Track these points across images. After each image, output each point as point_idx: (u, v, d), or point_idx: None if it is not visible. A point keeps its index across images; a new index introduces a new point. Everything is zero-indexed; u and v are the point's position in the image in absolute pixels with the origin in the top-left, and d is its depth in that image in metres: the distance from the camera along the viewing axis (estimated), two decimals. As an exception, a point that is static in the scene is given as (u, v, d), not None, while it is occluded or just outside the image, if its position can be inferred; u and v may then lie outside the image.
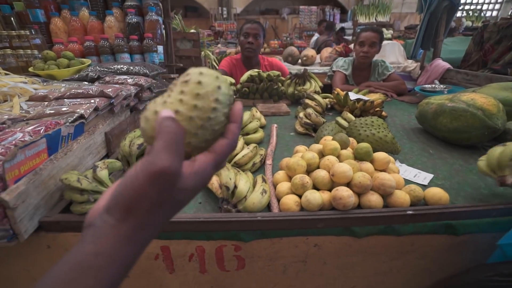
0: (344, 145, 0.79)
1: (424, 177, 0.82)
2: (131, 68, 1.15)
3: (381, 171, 0.74)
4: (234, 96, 0.24)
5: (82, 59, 1.30)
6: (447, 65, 1.90)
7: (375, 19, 6.36)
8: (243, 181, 0.66)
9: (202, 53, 2.69)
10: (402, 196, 0.65)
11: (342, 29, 6.02)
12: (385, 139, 0.89)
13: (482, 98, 0.97)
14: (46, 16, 1.45)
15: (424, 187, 0.78)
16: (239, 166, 0.81)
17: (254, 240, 0.64)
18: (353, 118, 1.16)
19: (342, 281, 0.73)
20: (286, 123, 1.32)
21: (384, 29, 5.23)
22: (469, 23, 5.96)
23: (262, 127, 1.19)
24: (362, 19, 6.41)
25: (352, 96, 1.40)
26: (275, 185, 0.73)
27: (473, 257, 0.70)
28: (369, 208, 0.64)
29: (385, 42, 3.01)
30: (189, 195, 0.26)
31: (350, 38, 5.73)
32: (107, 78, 1.08)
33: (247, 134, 1.03)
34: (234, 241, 0.64)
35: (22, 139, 0.59)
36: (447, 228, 0.65)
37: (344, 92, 1.41)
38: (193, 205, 0.71)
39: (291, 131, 1.22)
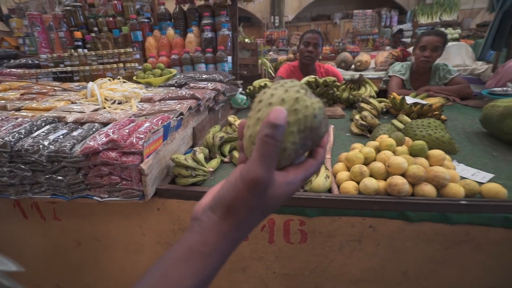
0: (399, 143, 0.87)
1: (483, 176, 0.85)
2: (210, 76, 1.38)
3: (436, 167, 0.80)
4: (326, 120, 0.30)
5: (170, 69, 1.60)
6: (523, 67, 1.75)
7: (440, 19, 5.89)
8: (309, 167, 0.79)
9: (259, 61, 2.91)
10: (456, 188, 0.71)
11: (400, 31, 5.74)
12: (442, 139, 0.93)
13: (556, 101, 0.94)
14: (142, 36, 1.81)
15: (482, 185, 0.81)
16: (302, 157, 0.95)
17: (316, 217, 0.77)
18: (409, 120, 1.20)
19: (394, 264, 0.81)
20: (341, 125, 1.42)
21: (450, 29, 4.83)
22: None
23: (319, 127, 1.31)
24: (423, 20, 6.01)
25: (409, 100, 1.42)
26: (334, 174, 0.85)
27: (535, 255, 0.71)
28: (423, 196, 0.72)
29: (450, 43, 2.85)
30: (279, 202, 0.28)
31: (408, 40, 5.43)
32: (191, 84, 1.33)
33: (307, 132, 1.16)
34: (300, 216, 0.78)
35: (151, 127, 0.82)
36: (504, 221, 0.68)
37: (401, 96, 1.44)
38: (265, 185, 0.87)
39: (346, 132, 1.31)
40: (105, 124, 0.94)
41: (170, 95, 1.15)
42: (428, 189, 0.72)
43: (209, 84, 1.31)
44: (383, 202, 0.71)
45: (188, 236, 0.28)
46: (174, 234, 0.91)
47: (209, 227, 0.27)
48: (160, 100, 1.14)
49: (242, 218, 0.27)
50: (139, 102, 1.16)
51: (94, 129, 0.90)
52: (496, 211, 0.68)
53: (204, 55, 1.66)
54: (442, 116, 1.33)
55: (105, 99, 1.11)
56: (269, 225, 0.82)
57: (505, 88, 1.63)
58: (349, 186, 0.75)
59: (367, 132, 1.23)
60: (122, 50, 1.63)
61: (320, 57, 5.02)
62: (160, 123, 0.88)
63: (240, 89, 1.66)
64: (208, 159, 1.02)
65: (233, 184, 0.26)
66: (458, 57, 2.91)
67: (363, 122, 1.22)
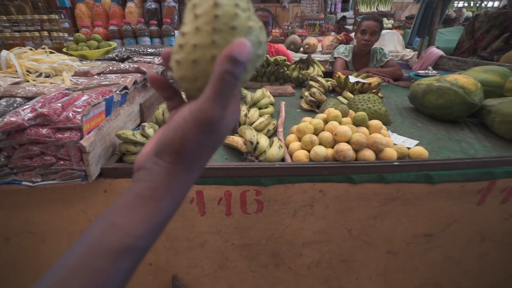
0: (344, 114, 0.94)
1: (411, 142, 0.98)
2: (156, 50, 1.28)
3: (375, 135, 0.89)
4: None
5: (109, 41, 1.43)
6: (440, 52, 2.04)
7: (376, 9, 6.45)
8: (263, 139, 0.81)
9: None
10: (390, 152, 0.81)
11: (344, 18, 6.09)
12: (379, 111, 1.04)
13: (463, 78, 1.12)
14: (71, 1, 1.56)
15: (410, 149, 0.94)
16: (257, 131, 0.96)
17: (271, 186, 0.80)
18: (352, 96, 1.31)
19: (341, 224, 0.90)
20: (292, 102, 1.47)
21: (384, 19, 5.32)
22: (470, 14, 6.04)
23: (271, 104, 1.33)
24: (363, 9, 6.50)
25: (352, 79, 1.54)
26: (287, 145, 0.89)
27: (445, 204, 0.86)
28: (364, 160, 0.80)
29: (384, 31, 3.13)
30: (227, 131, 0.27)
31: (350, 27, 5.81)
32: (135, 58, 1.22)
33: (260, 108, 1.18)
34: (256, 186, 0.80)
35: (90, 100, 0.73)
36: (425, 178, 0.81)
37: (345, 76, 1.55)
38: (220, 160, 0.87)
39: (297, 108, 1.37)
40: (29, 99, 0.80)
41: (111, 68, 1.04)
42: (368, 154, 0.80)
43: (155, 58, 1.21)
44: (331, 167, 0.77)
45: (135, 185, 0.25)
46: (125, 217, 0.85)
47: (159, 172, 0.24)
48: (99, 74, 1.02)
49: (196, 159, 0.25)
50: (72, 76, 1.02)
51: (16, 105, 0.77)
52: (420, 169, 0.80)
53: (148, 27, 1.53)
54: (379, 94, 1.48)
55: (28, 71, 0.95)
56: (226, 197, 0.83)
57: (427, 71, 1.89)
58: (301, 154, 0.80)
59: (315, 108, 1.30)
60: (45, 17, 1.39)
61: (270, 38, 5.07)
62: (101, 97, 0.79)
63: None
64: (159, 137, 0.96)
65: (181, 125, 0.23)
66: (391, 44, 3.24)
67: (312, 98, 1.29)
